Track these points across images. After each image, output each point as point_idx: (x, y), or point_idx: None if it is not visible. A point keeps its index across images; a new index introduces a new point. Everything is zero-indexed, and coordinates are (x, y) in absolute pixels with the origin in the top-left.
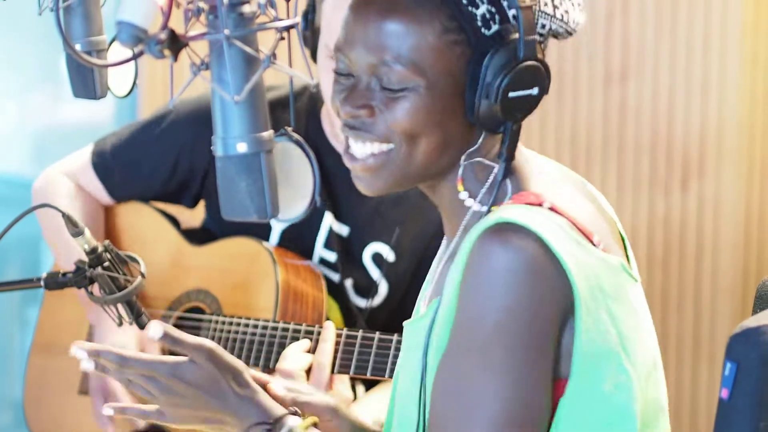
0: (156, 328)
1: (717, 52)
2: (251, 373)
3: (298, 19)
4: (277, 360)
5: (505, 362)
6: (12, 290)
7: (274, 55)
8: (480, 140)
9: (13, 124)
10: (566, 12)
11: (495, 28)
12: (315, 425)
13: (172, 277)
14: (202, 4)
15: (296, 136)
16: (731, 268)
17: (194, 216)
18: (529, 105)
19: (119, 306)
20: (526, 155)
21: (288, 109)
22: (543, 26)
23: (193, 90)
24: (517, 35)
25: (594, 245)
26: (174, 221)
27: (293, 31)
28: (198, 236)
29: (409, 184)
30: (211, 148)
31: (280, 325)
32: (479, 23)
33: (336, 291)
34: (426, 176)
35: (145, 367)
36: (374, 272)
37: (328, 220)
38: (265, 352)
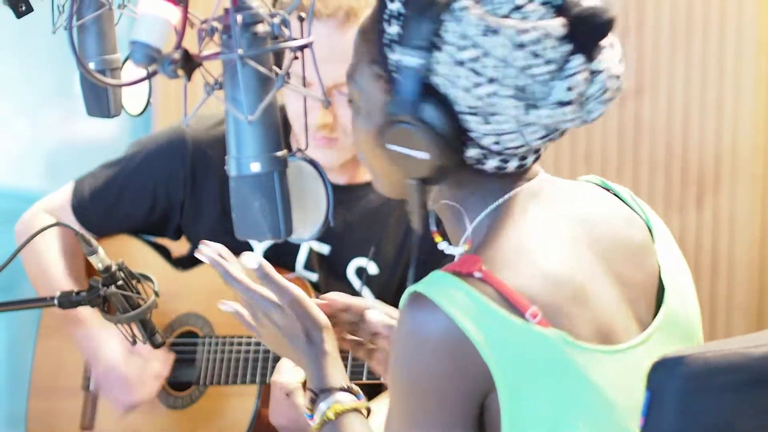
0: (251, 259)
1: (731, 69)
2: (351, 301)
3: (312, 38)
4: (272, 374)
5: (421, 421)
6: (26, 309)
7: (287, 74)
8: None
9: (27, 141)
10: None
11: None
12: (359, 410)
13: (162, 304)
14: (215, 24)
15: (309, 156)
16: (746, 286)
17: (185, 245)
18: (418, 168)
19: (133, 325)
20: (532, 187)
21: None
22: (468, 92)
23: (204, 109)
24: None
25: (526, 318)
26: (163, 250)
27: (306, 51)
28: (185, 263)
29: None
30: (225, 167)
31: None
32: (392, 68)
33: None
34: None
35: (245, 295)
36: (358, 285)
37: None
38: (260, 368)
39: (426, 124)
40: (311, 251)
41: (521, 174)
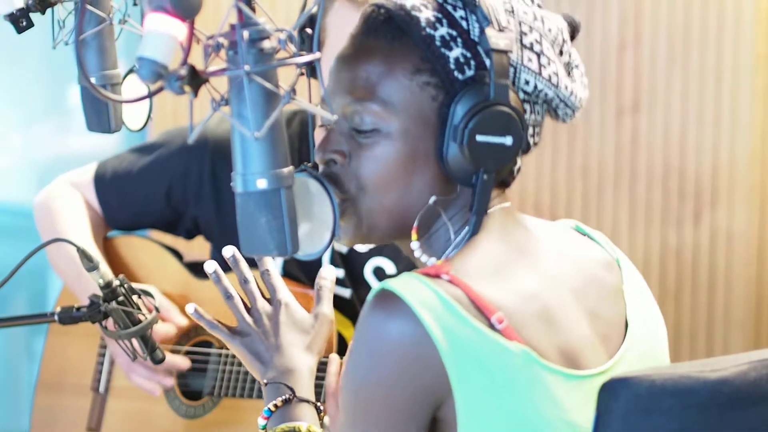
0: (210, 265)
1: (729, 83)
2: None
3: (318, 54)
4: None
5: (363, 426)
6: (26, 324)
7: (293, 90)
8: (455, 195)
9: (19, 155)
10: (555, 74)
11: (469, 73)
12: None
13: (178, 312)
14: (221, 40)
15: (315, 171)
16: (744, 301)
17: (201, 250)
18: (502, 155)
19: (133, 340)
20: (494, 219)
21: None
22: (527, 82)
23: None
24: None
25: (491, 324)
26: (178, 255)
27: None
28: (203, 270)
29: (383, 236)
30: (231, 184)
31: None
32: (452, 66)
33: (348, 307)
34: (400, 230)
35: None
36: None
37: None
38: None
39: (511, 107)
40: (333, 249)
41: (500, 194)
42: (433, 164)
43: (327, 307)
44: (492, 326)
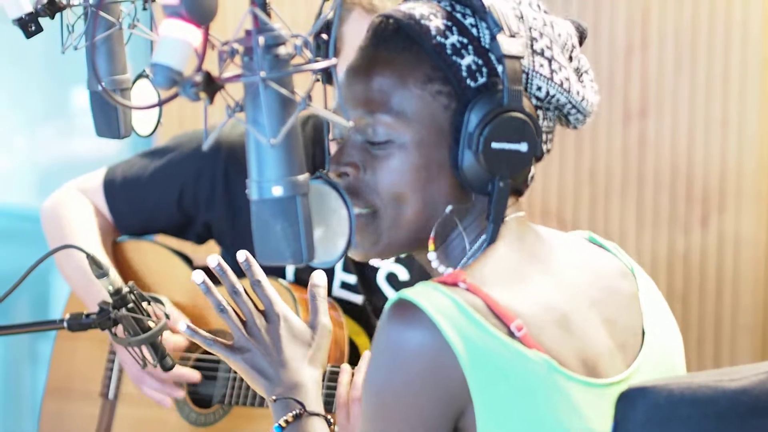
0: (198, 275)
1: (736, 87)
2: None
3: (335, 60)
4: None
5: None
6: (35, 331)
7: (309, 96)
8: (470, 204)
9: (22, 158)
10: (566, 79)
11: (481, 80)
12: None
13: (192, 318)
14: (236, 46)
15: (331, 178)
16: (751, 305)
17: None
18: (518, 162)
19: (143, 347)
20: (508, 229)
21: None
22: (539, 88)
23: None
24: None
25: (511, 332)
26: (187, 260)
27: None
28: (215, 277)
29: (400, 249)
30: (246, 191)
31: None
32: (464, 74)
33: (360, 314)
34: (417, 241)
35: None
36: (390, 294)
37: None
38: None
39: (525, 113)
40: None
41: (514, 202)
42: (448, 173)
43: (324, 317)
44: (511, 334)
